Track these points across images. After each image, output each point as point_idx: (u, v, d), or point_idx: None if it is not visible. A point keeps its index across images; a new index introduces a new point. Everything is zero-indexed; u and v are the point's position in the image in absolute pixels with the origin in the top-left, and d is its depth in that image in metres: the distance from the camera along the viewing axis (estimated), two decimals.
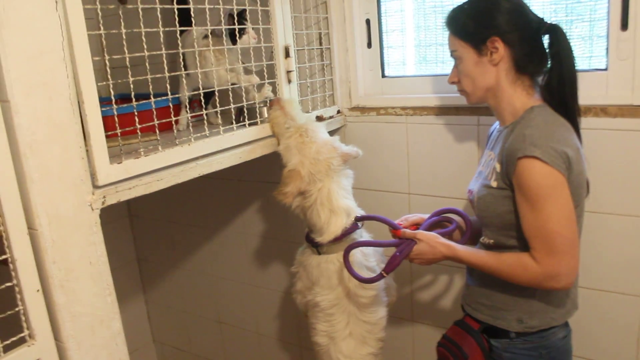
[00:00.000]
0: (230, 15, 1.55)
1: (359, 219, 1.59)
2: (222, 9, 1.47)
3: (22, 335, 1.01)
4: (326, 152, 1.56)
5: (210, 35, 1.61)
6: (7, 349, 0.98)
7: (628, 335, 1.63)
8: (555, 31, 1.27)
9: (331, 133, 1.82)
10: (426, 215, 1.58)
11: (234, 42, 1.57)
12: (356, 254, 1.55)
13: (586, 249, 1.43)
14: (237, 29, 1.54)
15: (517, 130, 1.24)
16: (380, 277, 1.45)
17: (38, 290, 1.00)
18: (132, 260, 2.94)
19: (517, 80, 1.31)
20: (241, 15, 1.56)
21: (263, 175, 2.27)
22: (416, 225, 1.56)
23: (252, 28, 1.58)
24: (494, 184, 1.30)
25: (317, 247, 1.62)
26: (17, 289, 0.99)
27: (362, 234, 1.64)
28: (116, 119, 1.18)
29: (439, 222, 1.55)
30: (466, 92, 1.39)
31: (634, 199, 1.53)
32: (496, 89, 1.33)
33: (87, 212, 1.06)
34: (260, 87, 1.66)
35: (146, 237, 2.90)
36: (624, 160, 1.52)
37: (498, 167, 1.29)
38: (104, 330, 1.11)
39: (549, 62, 1.30)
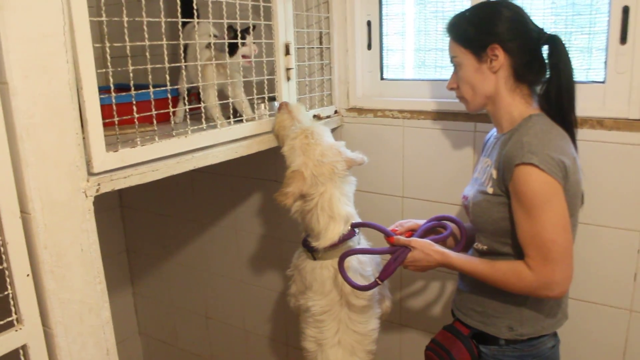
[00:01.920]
0: (231, 28, 1.55)
1: (354, 225, 1.57)
2: (224, 10, 1.47)
3: (9, 319, 1.01)
4: (331, 156, 1.54)
5: (212, 45, 1.61)
6: None
7: (615, 349, 1.64)
8: (554, 42, 1.29)
9: None
10: (421, 221, 1.59)
11: (233, 53, 1.57)
12: (352, 261, 1.54)
13: (577, 260, 1.44)
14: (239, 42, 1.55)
15: (515, 137, 1.25)
16: (374, 284, 1.45)
17: (28, 275, 0.99)
18: (122, 251, 2.93)
19: (516, 88, 1.32)
20: (245, 30, 1.57)
21: (257, 172, 2.27)
22: (411, 232, 1.56)
23: (254, 42, 1.58)
24: (490, 190, 1.30)
25: (313, 252, 1.60)
26: (7, 272, 0.98)
27: (360, 241, 1.63)
28: (114, 107, 1.18)
29: (433, 229, 1.55)
30: (465, 99, 1.40)
31: (627, 212, 1.54)
32: (495, 97, 1.34)
33: (80, 199, 1.05)
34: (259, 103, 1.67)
35: (137, 229, 2.89)
36: (619, 173, 1.53)
37: (495, 173, 1.29)
38: (92, 318, 1.10)
39: (548, 72, 1.31)
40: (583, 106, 1.47)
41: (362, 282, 1.52)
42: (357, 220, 1.60)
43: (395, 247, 1.44)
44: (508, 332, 1.33)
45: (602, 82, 1.54)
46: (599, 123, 1.53)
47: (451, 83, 1.43)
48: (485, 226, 1.34)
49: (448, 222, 1.55)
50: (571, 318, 1.45)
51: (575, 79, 1.30)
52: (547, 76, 1.32)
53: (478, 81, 1.34)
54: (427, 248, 1.39)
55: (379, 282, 1.44)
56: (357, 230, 1.59)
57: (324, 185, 1.54)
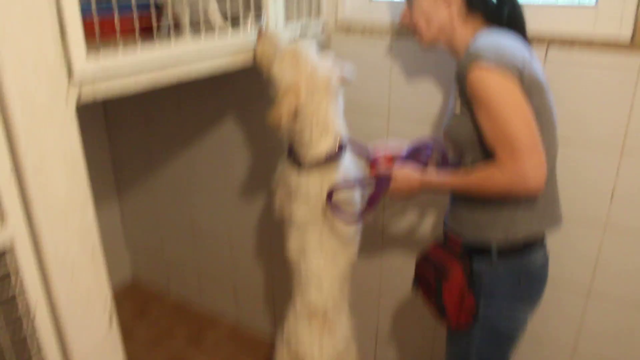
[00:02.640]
0: None
1: (344, 143, 1.59)
2: None
3: None
4: (324, 70, 1.53)
5: None
6: None
7: (587, 264, 1.73)
8: None
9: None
10: (404, 144, 1.62)
11: None
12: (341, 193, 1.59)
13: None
14: None
15: (466, 52, 1.29)
16: (360, 217, 1.54)
17: (11, 171, 1.01)
18: (108, 166, 2.96)
19: (469, 19, 1.37)
20: None
21: (243, 89, 2.26)
22: (391, 158, 1.60)
23: None
24: (457, 110, 1.35)
25: (298, 165, 1.61)
26: None
27: (346, 159, 1.63)
28: (95, 17, 1.15)
29: (415, 152, 1.58)
30: (419, 32, 1.44)
31: (609, 133, 1.57)
32: (449, 29, 1.38)
33: (61, 106, 1.05)
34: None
35: (123, 145, 2.90)
36: (607, 96, 1.54)
37: (457, 92, 1.33)
38: (77, 219, 1.14)
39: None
40: (573, 28, 1.48)
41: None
42: (344, 138, 1.61)
43: (377, 178, 1.48)
44: (503, 234, 1.36)
45: (594, 5, 1.52)
46: (588, 45, 1.53)
47: (404, 17, 1.45)
48: (462, 145, 1.38)
49: (429, 142, 1.58)
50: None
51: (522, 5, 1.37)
52: (498, 3, 1.36)
53: (433, 12, 1.38)
54: (408, 174, 1.44)
55: (365, 213, 1.53)
56: (345, 146, 1.59)
57: (320, 99, 1.52)
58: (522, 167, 1.21)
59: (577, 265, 1.75)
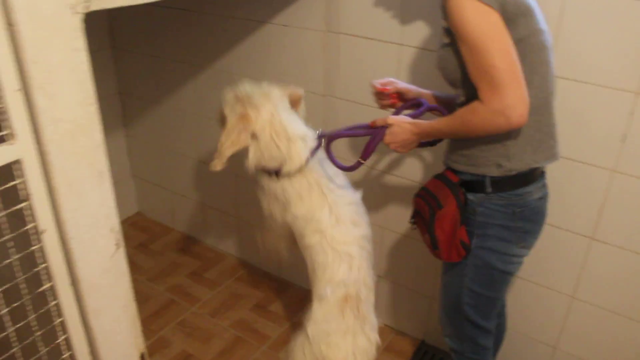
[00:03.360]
0: None
1: (331, 138, 1.62)
2: None
3: (2, 134, 1.02)
4: (262, 90, 1.69)
5: None
6: None
7: (591, 206, 1.73)
8: None
9: None
10: (411, 86, 1.65)
11: None
12: (322, 178, 1.67)
13: (565, 117, 1.46)
14: None
15: None
16: (358, 164, 1.56)
17: (18, 90, 0.99)
18: (114, 93, 2.92)
19: None
20: None
21: (254, 13, 2.20)
22: (397, 95, 1.66)
23: None
24: (445, 40, 1.33)
25: (276, 174, 1.69)
26: None
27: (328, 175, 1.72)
28: None
29: (411, 107, 1.62)
30: None
31: (622, 70, 1.53)
32: None
33: (68, 15, 1.01)
34: None
35: (130, 72, 2.85)
36: (616, 28, 1.49)
37: (443, 21, 1.31)
38: (85, 139, 1.12)
39: None
40: None
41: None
42: (312, 137, 1.67)
43: (374, 128, 1.52)
44: (497, 169, 1.36)
45: None
46: None
47: None
48: (453, 77, 1.36)
49: (423, 99, 1.60)
50: (554, 176, 1.50)
51: None
52: None
53: None
54: (402, 122, 1.47)
55: (362, 161, 1.55)
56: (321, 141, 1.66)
57: (269, 114, 1.63)
58: (502, 98, 1.19)
59: (581, 208, 1.74)
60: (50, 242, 1.16)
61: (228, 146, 1.64)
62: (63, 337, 1.32)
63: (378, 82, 1.65)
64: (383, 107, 1.70)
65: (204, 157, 2.74)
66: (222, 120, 1.73)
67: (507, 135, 1.33)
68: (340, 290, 1.64)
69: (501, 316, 1.84)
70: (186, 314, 2.57)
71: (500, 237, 1.41)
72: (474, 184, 1.41)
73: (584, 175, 1.69)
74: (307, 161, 1.64)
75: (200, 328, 2.48)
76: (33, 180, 1.08)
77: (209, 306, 2.62)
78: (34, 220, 1.12)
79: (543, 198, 1.44)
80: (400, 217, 2.19)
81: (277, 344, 2.39)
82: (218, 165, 1.66)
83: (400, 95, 1.66)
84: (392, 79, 1.66)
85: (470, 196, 1.42)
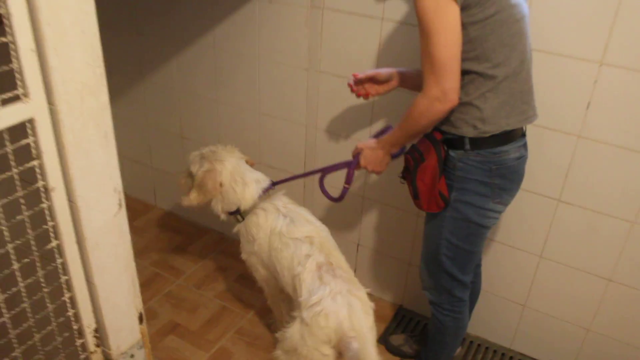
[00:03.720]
0: None
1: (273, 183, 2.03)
2: None
3: (16, 92, 1.07)
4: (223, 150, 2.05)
5: None
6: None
7: (560, 169, 1.86)
8: None
9: None
10: (381, 69, 1.82)
11: None
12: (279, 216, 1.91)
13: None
14: None
15: None
16: (345, 190, 1.78)
17: (32, 50, 1.04)
18: None
19: None
20: None
21: None
22: (373, 77, 1.83)
23: None
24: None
25: (239, 216, 1.99)
26: (12, 46, 1.03)
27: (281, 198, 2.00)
28: None
29: (380, 135, 1.77)
30: None
31: (585, 40, 1.66)
32: None
33: None
34: None
35: (113, 49, 2.86)
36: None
37: None
38: (92, 100, 1.18)
39: None
40: None
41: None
42: (265, 180, 2.02)
43: (349, 160, 1.76)
44: (473, 130, 1.49)
45: None
46: None
47: None
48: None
49: (390, 125, 1.84)
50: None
51: None
52: None
53: None
54: (368, 143, 1.69)
55: (347, 186, 1.77)
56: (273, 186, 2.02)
57: (225, 161, 1.97)
58: (440, 85, 1.37)
59: (550, 171, 1.88)
60: (58, 200, 1.22)
61: (199, 198, 2.01)
62: (68, 295, 1.38)
63: (351, 80, 1.83)
64: (358, 96, 1.86)
65: (186, 133, 2.79)
66: (189, 177, 2.06)
67: (483, 100, 1.44)
68: (310, 262, 1.74)
69: (477, 276, 1.98)
70: (172, 286, 2.64)
71: (477, 192, 1.53)
72: (454, 142, 1.53)
73: (552, 140, 1.82)
74: (260, 198, 1.96)
75: (186, 299, 2.56)
76: (45, 139, 1.13)
77: (193, 278, 2.69)
78: (44, 179, 1.18)
79: (521, 159, 1.56)
80: (378, 186, 2.29)
81: (262, 311, 2.48)
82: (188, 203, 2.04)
83: (373, 78, 1.82)
84: (368, 71, 1.82)
85: (452, 152, 1.54)
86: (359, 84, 1.83)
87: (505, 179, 1.55)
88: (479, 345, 2.31)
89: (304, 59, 2.20)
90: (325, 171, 1.86)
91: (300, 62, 2.22)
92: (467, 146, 1.51)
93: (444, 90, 1.37)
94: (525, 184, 1.90)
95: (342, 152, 2.29)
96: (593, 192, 1.83)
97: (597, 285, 1.95)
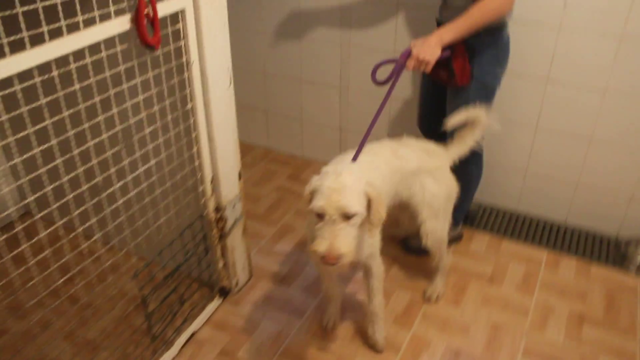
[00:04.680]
0: None
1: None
2: None
3: None
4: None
5: None
6: None
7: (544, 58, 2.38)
8: None
9: None
10: None
11: None
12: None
13: None
14: None
15: None
16: (390, 76, 1.92)
17: None
18: None
19: None
20: None
21: None
22: None
23: None
24: None
25: None
26: None
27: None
28: None
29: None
30: None
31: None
32: None
33: None
34: None
35: None
36: None
37: None
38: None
39: None
40: None
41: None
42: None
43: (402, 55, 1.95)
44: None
45: None
46: None
47: None
48: None
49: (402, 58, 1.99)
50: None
51: None
52: None
53: None
54: (423, 38, 1.91)
55: (395, 74, 1.91)
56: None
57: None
58: None
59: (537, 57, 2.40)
60: (195, 71, 1.75)
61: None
62: (195, 148, 1.91)
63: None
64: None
65: (269, 68, 3.24)
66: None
67: None
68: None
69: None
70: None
71: (490, 61, 2.08)
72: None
73: (538, 32, 2.33)
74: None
75: (248, 194, 3.08)
76: (190, 25, 1.65)
77: (250, 180, 3.22)
78: (187, 55, 1.70)
79: (509, 39, 2.11)
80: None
81: None
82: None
83: None
84: None
85: (471, 40, 2.01)
86: None
87: (505, 52, 2.11)
88: (491, 209, 2.85)
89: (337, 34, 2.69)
90: (378, 65, 2.02)
91: (334, 36, 2.71)
92: (482, 34, 1.98)
93: None
94: (520, 68, 2.42)
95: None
96: (574, 71, 2.35)
97: (582, 144, 2.49)
